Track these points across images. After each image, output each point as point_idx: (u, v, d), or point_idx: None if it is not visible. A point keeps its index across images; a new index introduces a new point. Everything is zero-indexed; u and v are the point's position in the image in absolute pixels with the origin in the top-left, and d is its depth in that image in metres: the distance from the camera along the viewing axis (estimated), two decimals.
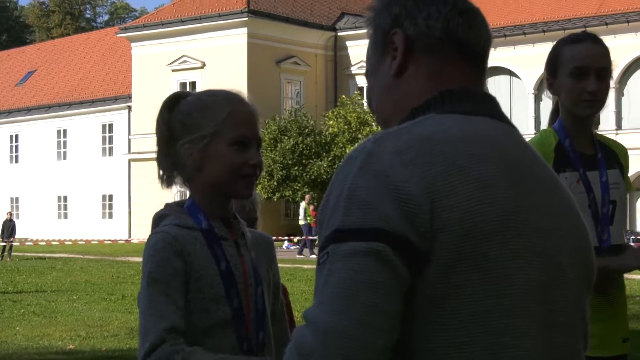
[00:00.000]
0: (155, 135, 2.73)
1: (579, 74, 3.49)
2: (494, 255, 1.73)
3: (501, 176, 1.78)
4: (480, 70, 1.98)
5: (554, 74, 3.58)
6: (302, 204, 35.94)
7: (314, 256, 32.12)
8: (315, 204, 40.38)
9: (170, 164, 2.69)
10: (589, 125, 3.63)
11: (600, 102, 3.54)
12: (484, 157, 1.78)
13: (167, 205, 2.73)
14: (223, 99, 2.67)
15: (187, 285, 2.53)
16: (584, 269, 1.91)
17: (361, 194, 1.72)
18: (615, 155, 3.69)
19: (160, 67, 49.12)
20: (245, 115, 2.65)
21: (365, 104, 46.98)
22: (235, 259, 2.64)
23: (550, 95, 3.68)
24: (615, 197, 3.56)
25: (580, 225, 1.94)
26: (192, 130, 2.63)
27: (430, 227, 1.70)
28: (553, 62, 3.59)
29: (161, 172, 2.72)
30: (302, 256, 33.47)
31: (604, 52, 3.57)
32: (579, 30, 3.70)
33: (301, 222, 35.59)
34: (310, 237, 33.52)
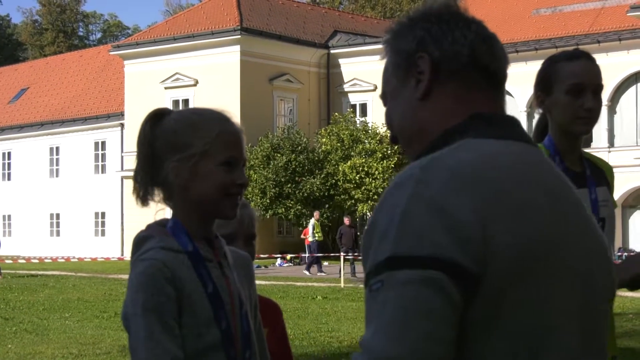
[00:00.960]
0: (137, 151, 2.70)
1: (576, 90, 3.48)
2: (542, 276, 1.78)
3: (543, 200, 1.84)
4: (501, 94, 2.03)
5: (548, 91, 3.55)
6: (312, 221, 35.49)
7: (321, 274, 31.88)
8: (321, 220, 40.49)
9: (150, 181, 2.65)
10: (579, 143, 3.63)
11: (595, 120, 3.55)
12: (527, 182, 1.83)
13: (149, 227, 2.68)
14: (212, 118, 2.65)
15: (180, 310, 2.51)
16: (609, 289, 1.96)
17: (414, 221, 1.74)
18: (603, 173, 3.69)
19: (153, 84, 49.14)
20: (233, 135, 2.64)
21: (358, 122, 47.04)
22: (220, 280, 2.62)
23: (540, 111, 3.67)
24: (605, 214, 3.56)
25: (603, 242, 1.98)
26: (180, 148, 2.60)
27: (483, 252, 1.73)
28: (547, 79, 3.57)
29: (139, 189, 2.67)
30: (308, 273, 33.08)
31: (599, 69, 3.58)
32: (571, 48, 3.69)
33: (310, 239, 35.13)
34: (317, 255, 33.12)
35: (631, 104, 47.24)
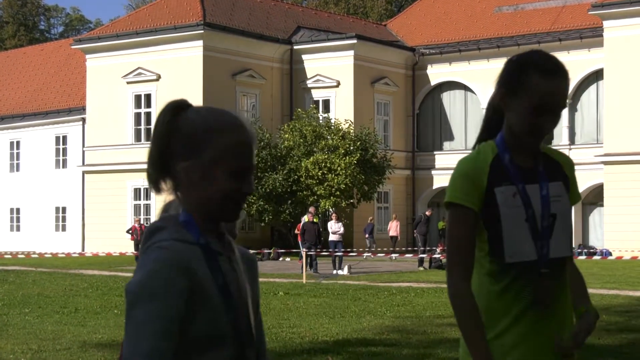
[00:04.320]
0: (152, 140, 2.69)
1: (541, 110, 3.46)
2: None
3: None
4: None
5: (512, 94, 3.52)
6: (305, 218, 33.27)
7: (316, 274, 31.39)
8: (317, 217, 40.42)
9: (163, 171, 2.67)
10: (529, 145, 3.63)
11: (545, 135, 3.54)
12: None
13: (163, 218, 2.70)
14: (229, 125, 2.66)
15: (191, 302, 2.54)
16: None
17: None
18: (559, 167, 3.66)
19: (115, 79, 48.88)
20: (246, 145, 2.67)
21: (320, 118, 47.07)
22: (230, 273, 2.66)
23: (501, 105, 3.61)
24: (556, 210, 3.55)
25: None
26: (193, 151, 2.63)
27: None
28: (516, 83, 3.50)
29: (151, 175, 2.69)
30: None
31: (568, 87, 3.55)
32: (535, 46, 3.69)
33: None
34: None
35: (592, 102, 47.62)
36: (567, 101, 3.57)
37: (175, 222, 2.67)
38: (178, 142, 2.65)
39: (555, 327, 3.53)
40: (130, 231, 37.99)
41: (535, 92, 3.45)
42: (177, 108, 2.69)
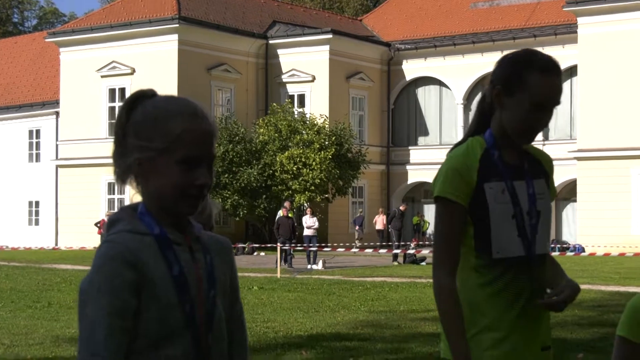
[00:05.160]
0: (114, 133, 2.68)
1: (539, 108, 3.49)
2: None
3: None
4: None
5: (509, 92, 3.53)
6: (280, 213, 33.26)
7: (316, 266, 31.29)
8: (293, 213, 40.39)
9: (123, 165, 2.63)
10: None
11: (538, 132, 3.58)
12: None
13: (121, 209, 2.67)
14: (178, 113, 2.59)
15: (141, 295, 2.50)
16: None
17: None
18: (541, 164, 3.71)
19: (89, 72, 48.65)
20: (199, 133, 2.58)
21: (296, 112, 47.07)
22: (188, 263, 2.60)
23: (495, 102, 3.62)
24: (541, 207, 3.59)
25: None
26: (142, 141, 2.57)
27: None
28: (514, 81, 3.52)
29: (117, 170, 2.65)
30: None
31: (562, 84, 3.59)
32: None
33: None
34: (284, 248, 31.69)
35: (566, 98, 47.81)
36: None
37: (132, 213, 2.63)
38: (131, 134, 2.60)
39: (539, 321, 3.58)
40: (99, 225, 37.91)
41: (535, 89, 3.48)
42: (135, 99, 2.65)
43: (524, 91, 3.49)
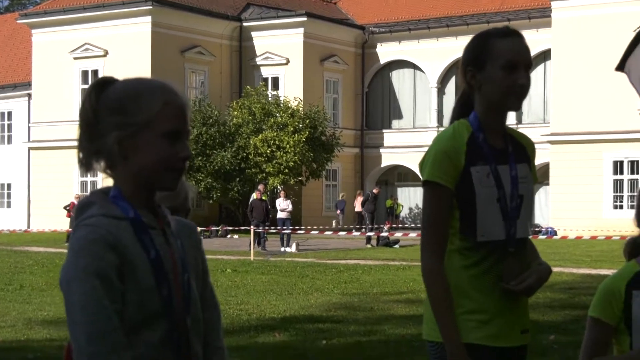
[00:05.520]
0: (80, 119, 2.64)
1: (510, 67, 3.53)
2: None
3: None
4: None
5: (480, 67, 3.57)
6: (253, 195, 33.29)
7: (290, 249, 31.28)
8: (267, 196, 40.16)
9: (94, 149, 2.61)
10: (504, 119, 3.69)
11: (526, 95, 3.61)
12: None
13: (92, 193, 2.65)
14: (157, 88, 2.62)
15: (122, 278, 2.50)
16: None
17: None
18: (524, 149, 3.75)
19: (61, 54, 48.33)
20: (178, 107, 2.61)
21: (269, 95, 46.99)
22: (164, 247, 2.61)
23: (472, 86, 3.65)
24: (523, 191, 3.63)
25: None
26: (123, 117, 2.57)
27: None
28: (481, 54, 3.57)
29: (81, 156, 2.63)
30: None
31: (529, 47, 3.64)
32: (500, 25, 3.73)
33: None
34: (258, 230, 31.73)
35: (539, 82, 48.01)
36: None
37: (104, 197, 2.62)
38: (106, 112, 2.59)
39: (521, 304, 3.61)
40: (68, 208, 37.73)
41: (499, 52, 3.56)
42: (103, 83, 2.65)
43: (492, 59, 3.56)
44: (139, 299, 2.52)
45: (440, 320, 3.48)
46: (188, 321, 2.63)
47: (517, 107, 3.61)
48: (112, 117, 2.58)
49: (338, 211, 45.71)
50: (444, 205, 3.52)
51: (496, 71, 3.55)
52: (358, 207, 45.69)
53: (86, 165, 2.64)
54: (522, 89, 3.56)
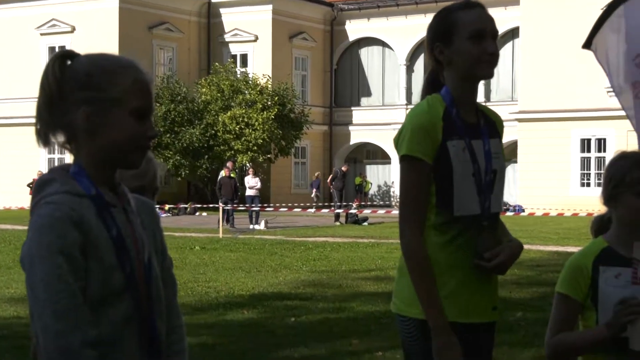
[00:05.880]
0: (41, 91, 2.60)
1: (478, 36, 3.53)
2: None
3: None
4: None
5: (448, 41, 3.58)
6: (222, 173, 33.56)
7: (258, 226, 31.19)
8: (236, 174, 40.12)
9: (54, 122, 2.58)
10: (475, 93, 3.69)
11: (496, 64, 3.61)
12: None
13: (52, 170, 2.61)
14: (127, 65, 2.59)
15: (86, 256, 2.48)
16: None
17: None
18: (495, 125, 3.77)
19: (27, 30, 47.89)
20: (146, 84, 2.60)
21: (238, 72, 46.84)
22: (125, 225, 2.60)
23: (441, 62, 3.65)
24: (497, 166, 3.64)
25: None
26: (92, 92, 2.54)
27: None
28: (446, 29, 3.58)
29: (39, 129, 2.59)
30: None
31: (492, 17, 3.64)
32: (453, 2, 3.73)
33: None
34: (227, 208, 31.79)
35: (507, 59, 48.15)
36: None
37: (65, 173, 2.59)
38: (73, 87, 2.56)
39: (492, 280, 3.63)
40: (31, 185, 37.53)
41: (465, 23, 3.57)
42: (67, 56, 2.61)
43: (459, 32, 3.57)
44: (101, 277, 2.51)
45: (423, 296, 3.47)
46: (150, 298, 2.63)
47: (490, 75, 3.61)
48: (81, 91, 2.55)
49: (314, 190, 45.68)
50: (423, 180, 3.52)
51: (464, 43, 3.55)
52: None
53: (44, 139, 2.60)
54: (492, 57, 3.57)
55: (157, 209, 2.86)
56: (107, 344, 2.52)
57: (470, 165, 3.55)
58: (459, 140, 3.54)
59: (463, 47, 3.55)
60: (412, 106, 3.61)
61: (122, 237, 2.57)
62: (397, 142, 3.58)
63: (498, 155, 3.68)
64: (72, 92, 2.55)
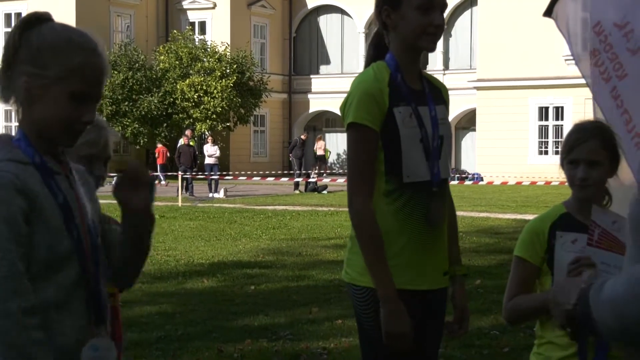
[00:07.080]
0: (3, 50, 2.60)
1: (426, 7, 3.53)
2: None
3: None
4: None
5: (395, 6, 3.58)
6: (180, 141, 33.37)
7: (218, 195, 31.03)
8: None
9: (7, 85, 2.60)
10: (418, 60, 3.69)
11: (440, 37, 3.62)
12: None
13: None
14: (79, 45, 2.58)
15: (31, 223, 2.49)
16: None
17: None
18: (440, 92, 3.77)
19: None
20: (94, 70, 2.59)
21: (197, 40, 46.53)
22: (69, 192, 2.61)
23: (387, 25, 3.66)
24: (443, 132, 3.65)
25: None
26: (36, 66, 2.55)
27: None
28: None
29: (1, 86, 2.62)
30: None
31: None
32: None
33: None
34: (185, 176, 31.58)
35: (466, 28, 48.24)
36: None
37: (8, 141, 2.60)
38: (25, 55, 2.57)
39: (441, 245, 3.65)
40: None
41: None
42: (32, 22, 2.62)
43: None
44: (48, 242, 2.53)
45: (372, 264, 3.48)
46: (96, 265, 2.66)
47: (432, 48, 3.62)
48: (25, 64, 2.56)
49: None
50: (371, 147, 3.52)
51: (411, 11, 3.55)
52: (320, 152, 45.20)
53: (3, 95, 2.63)
54: (437, 30, 3.57)
55: (90, 177, 2.87)
56: (57, 307, 2.54)
57: (418, 131, 3.55)
58: (405, 107, 3.54)
59: (410, 16, 3.55)
60: None
61: (68, 203, 2.59)
62: (344, 110, 3.59)
63: (444, 122, 3.69)
64: (22, 63, 2.57)
